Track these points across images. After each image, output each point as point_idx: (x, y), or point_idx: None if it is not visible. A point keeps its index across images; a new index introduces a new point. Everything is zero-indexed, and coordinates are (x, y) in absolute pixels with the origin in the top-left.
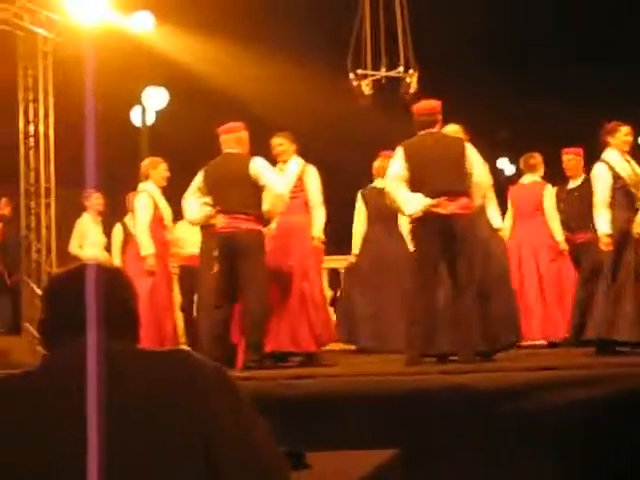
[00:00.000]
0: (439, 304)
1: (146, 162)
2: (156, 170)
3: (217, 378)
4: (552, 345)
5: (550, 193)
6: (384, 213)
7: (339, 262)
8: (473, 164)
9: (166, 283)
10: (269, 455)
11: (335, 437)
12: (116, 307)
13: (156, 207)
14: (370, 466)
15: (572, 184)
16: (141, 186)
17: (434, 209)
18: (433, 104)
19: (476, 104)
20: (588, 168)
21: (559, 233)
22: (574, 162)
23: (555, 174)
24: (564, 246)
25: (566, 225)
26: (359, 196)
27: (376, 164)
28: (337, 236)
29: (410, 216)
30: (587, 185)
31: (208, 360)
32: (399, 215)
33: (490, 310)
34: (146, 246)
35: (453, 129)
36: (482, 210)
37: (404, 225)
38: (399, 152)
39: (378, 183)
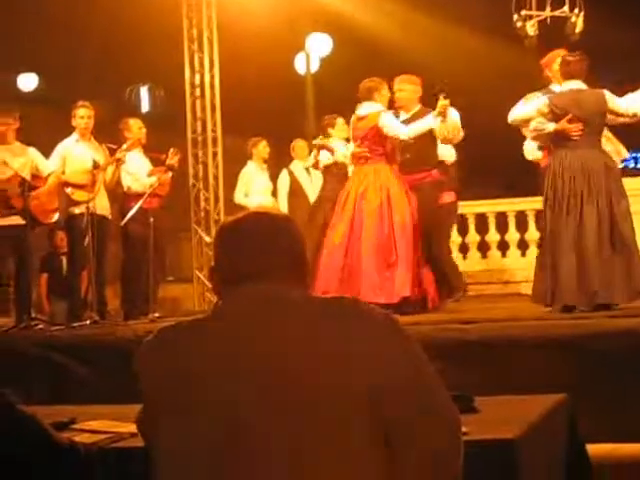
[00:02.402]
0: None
1: None
2: None
3: (387, 324)
4: None
5: None
6: None
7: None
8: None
9: None
10: (441, 398)
11: (503, 382)
12: (286, 254)
13: None
14: (538, 411)
15: None
16: None
17: None
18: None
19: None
20: None
21: None
22: None
23: None
24: None
25: None
26: None
27: None
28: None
29: None
30: None
31: (375, 307)
32: None
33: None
34: None
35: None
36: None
37: None
38: None
39: None
